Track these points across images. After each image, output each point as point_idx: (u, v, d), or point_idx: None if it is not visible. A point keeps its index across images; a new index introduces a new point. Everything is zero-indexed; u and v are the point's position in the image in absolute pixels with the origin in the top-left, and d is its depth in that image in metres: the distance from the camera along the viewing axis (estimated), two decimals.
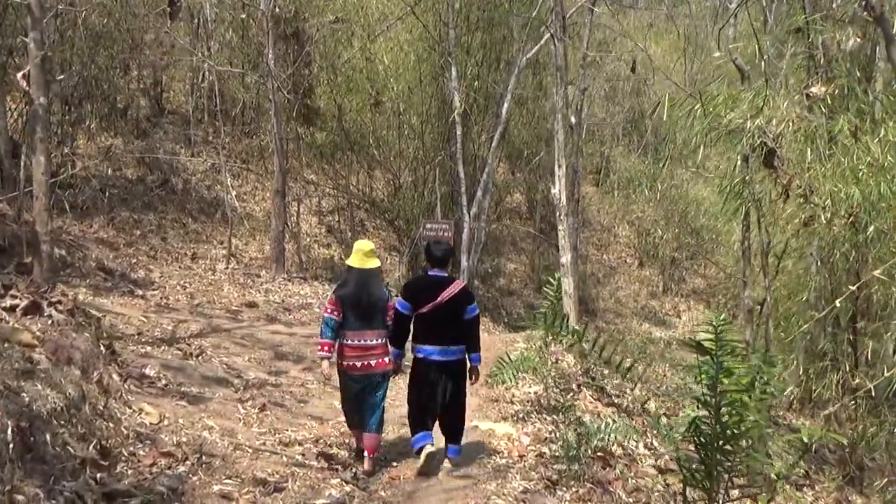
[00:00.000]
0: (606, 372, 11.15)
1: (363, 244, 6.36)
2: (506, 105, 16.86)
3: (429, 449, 6.10)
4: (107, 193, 15.56)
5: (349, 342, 6.20)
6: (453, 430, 6.39)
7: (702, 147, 6.94)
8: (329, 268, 18.65)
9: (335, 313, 6.16)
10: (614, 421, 9.33)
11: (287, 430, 6.96)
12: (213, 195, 18.18)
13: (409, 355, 6.54)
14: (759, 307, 12.83)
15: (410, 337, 6.35)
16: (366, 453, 6.29)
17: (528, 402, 8.42)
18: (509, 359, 8.04)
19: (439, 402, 6.25)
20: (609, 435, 6.13)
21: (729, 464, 3.32)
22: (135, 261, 12.78)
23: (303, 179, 19.95)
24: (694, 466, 3.47)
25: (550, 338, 8.51)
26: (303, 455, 6.26)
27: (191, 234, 16.87)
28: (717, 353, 3.19)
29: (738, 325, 20.42)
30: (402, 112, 17.73)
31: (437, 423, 6.42)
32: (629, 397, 10.64)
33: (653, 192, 25.45)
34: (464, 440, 6.77)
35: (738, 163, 8.30)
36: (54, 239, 11.89)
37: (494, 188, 19.68)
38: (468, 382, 6.46)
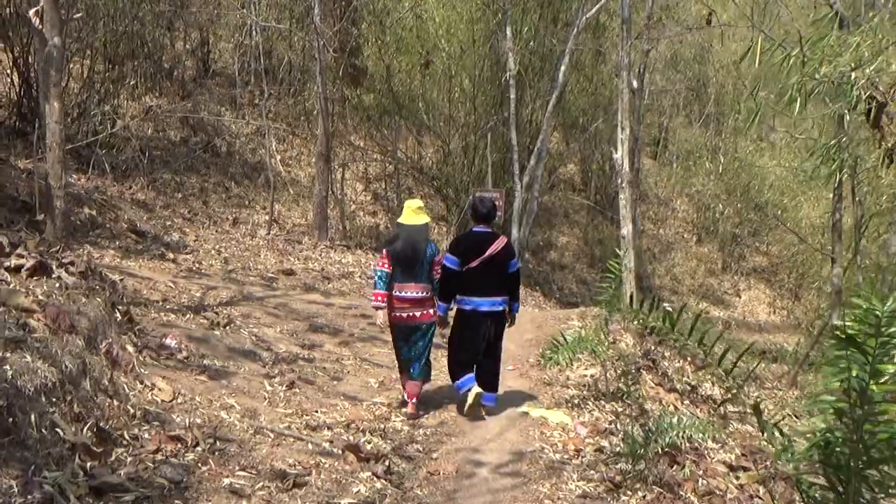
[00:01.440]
0: (668, 354, 10.29)
1: (412, 202, 6.66)
2: (563, 67, 15.89)
3: (476, 389, 6.44)
4: (147, 154, 15.04)
5: (395, 293, 6.47)
6: (491, 378, 6.68)
7: (798, 102, 5.94)
8: (374, 236, 17.96)
9: (386, 266, 6.44)
10: (677, 409, 8.53)
11: (316, 412, 6.24)
12: (258, 159, 17.57)
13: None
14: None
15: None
16: (407, 398, 6.60)
17: (584, 386, 7.62)
18: (564, 339, 7.23)
19: (482, 349, 6.58)
20: (683, 432, 5.30)
21: (873, 497, 2.50)
22: (169, 223, 12.19)
23: (349, 144, 19.24)
24: (820, 495, 2.64)
25: (611, 315, 7.67)
26: (331, 442, 5.52)
27: (233, 199, 16.36)
28: (874, 350, 2.36)
29: (817, 308, 19.35)
30: (453, 74, 16.83)
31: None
32: (693, 381, 9.78)
33: (714, 164, 24.26)
34: (514, 429, 6.15)
35: (839, 119, 7.26)
36: (87, 198, 11.39)
37: (548, 156, 18.73)
38: (506, 326, 6.78)
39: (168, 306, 7.94)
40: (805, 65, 5.66)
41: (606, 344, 7.66)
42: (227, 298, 8.90)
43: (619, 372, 8.11)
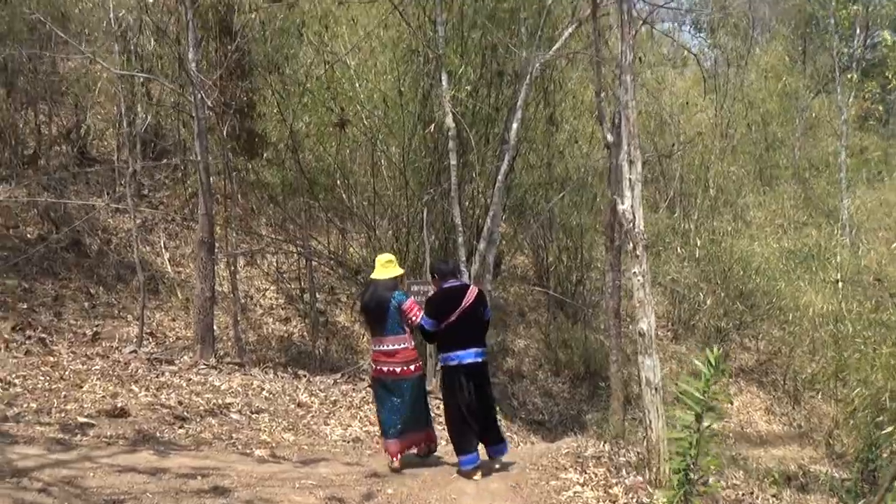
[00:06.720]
0: None
1: (382, 256, 6.91)
2: (515, 125, 12.46)
3: (478, 475, 6.44)
4: None
5: (374, 347, 6.79)
6: (496, 431, 6.77)
7: None
8: (285, 349, 14.06)
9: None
10: None
11: None
12: (140, 259, 13.76)
13: None
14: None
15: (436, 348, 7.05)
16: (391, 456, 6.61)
17: None
18: None
19: (476, 409, 6.53)
20: None
21: None
22: None
23: (253, 233, 15.50)
24: None
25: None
26: None
27: (99, 308, 12.74)
28: None
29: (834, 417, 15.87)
30: (377, 139, 13.24)
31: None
32: None
33: (687, 249, 21.05)
34: None
35: None
36: None
37: (502, 241, 15.17)
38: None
39: None
40: None
41: None
42: None
43: None
